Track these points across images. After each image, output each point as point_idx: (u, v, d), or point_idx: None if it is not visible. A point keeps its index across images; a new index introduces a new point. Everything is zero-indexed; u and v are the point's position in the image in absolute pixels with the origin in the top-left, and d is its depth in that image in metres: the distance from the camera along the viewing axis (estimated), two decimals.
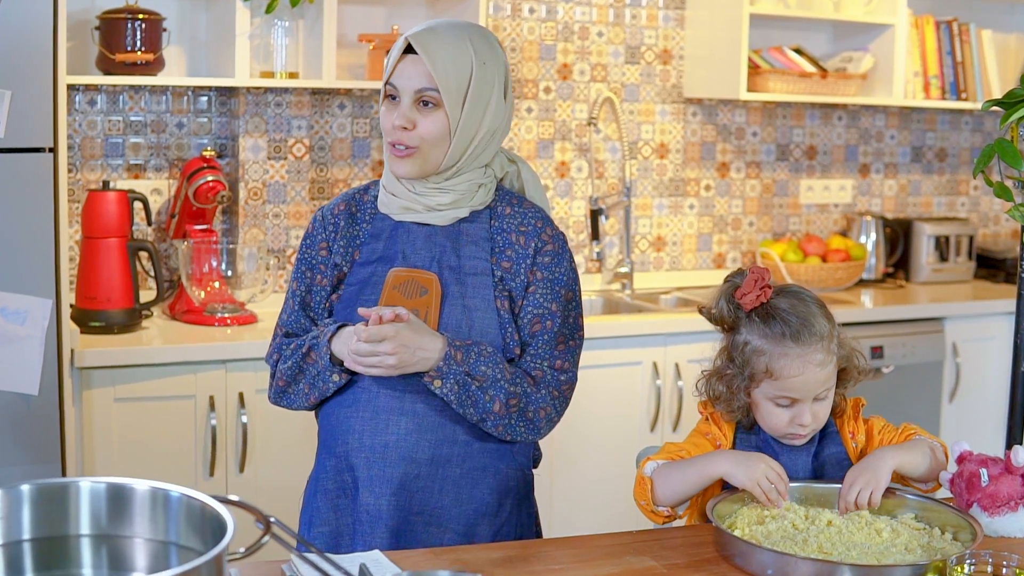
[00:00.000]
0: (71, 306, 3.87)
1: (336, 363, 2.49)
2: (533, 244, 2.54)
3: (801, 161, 5.39)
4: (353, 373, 2.50)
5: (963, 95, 5.33)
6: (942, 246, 5.40)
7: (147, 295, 4.10)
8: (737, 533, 2.22)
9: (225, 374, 3.77)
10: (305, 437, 3.84)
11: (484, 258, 2.53)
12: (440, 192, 2.53)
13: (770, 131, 5.30)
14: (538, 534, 2.70)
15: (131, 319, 3.91)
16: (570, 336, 2.56)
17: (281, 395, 2.62)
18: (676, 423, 4.39)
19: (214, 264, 4.08)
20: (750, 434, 2.51)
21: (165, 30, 4.05)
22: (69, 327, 3.58)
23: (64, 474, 3.59)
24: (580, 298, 2.61)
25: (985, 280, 5.50)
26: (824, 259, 5.15)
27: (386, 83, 2.51)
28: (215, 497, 1.47)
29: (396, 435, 2.47)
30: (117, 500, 1.49)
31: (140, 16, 3.96)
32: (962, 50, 5.33)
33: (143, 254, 4.04)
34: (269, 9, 4.03)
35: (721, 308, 2.49)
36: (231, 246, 4.15)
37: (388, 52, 2.67)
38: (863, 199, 5.56)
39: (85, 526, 1.49)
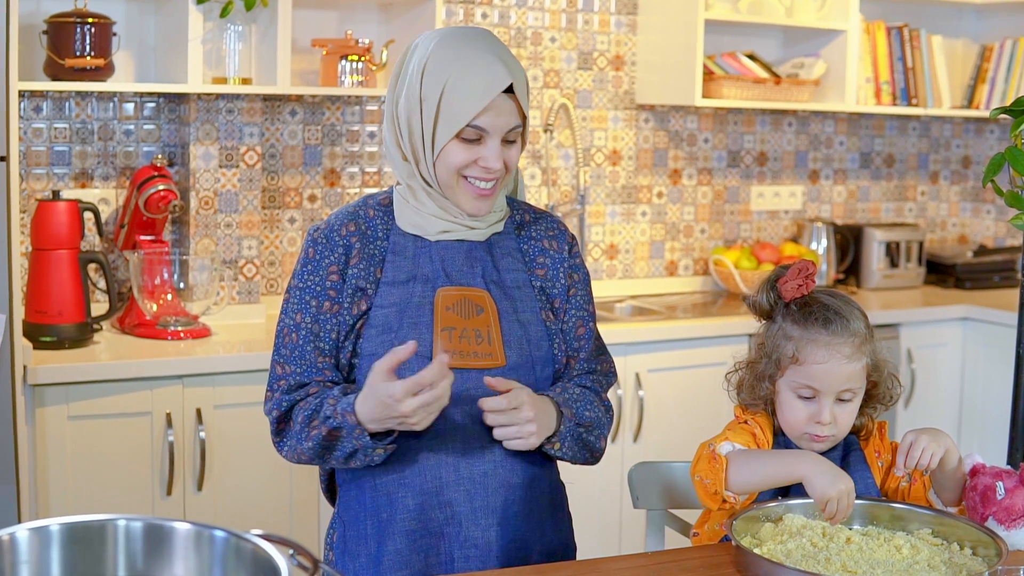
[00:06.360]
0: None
1: (379, 437, 2.28)
2: (566, 247, 2.50)
3: (752, 168, 5.35)
4: (410, 434, 2.31)
5: (914, 100, 5.33)
6: (892, 252, 5.38)
7: (96, 308, 3.96)
8: (759, 551, 2.15)
9: (182, 390, 3.65)
10: (265, 454, 3.73)
11: (521, 270, 2.45)
12: (491, 212, 2.47)
13: (721, 137, 5.26)
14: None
15: (82, 333, 3.78)
16: (599, 335, 2.56)
17: (311, 463, 2.38)
18: (637, 434, 4.33)
19: (166, 276, 3.95)
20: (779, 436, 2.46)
21: (115, 34, 3.92)
22: (22, 343, 3.45)
23: (18, 495, 3.45)
24: None
25: (935, 286, 5.50)
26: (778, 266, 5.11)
27: (468, 125, 2.30)
28: (262, 536, 1.36)
29: (492, 462, 2.34)
30: (155, 540, 1.37)
31: (90, 20, 3.82)
32: (913, 56, 5.33)
33: (93, 266, 3.90)
34: (224, 13, 3.90)
35: (762, 296, 2.46)
36: (183, 257, 4.03)
37: (455, 89, 2.36)
38: (813, 205, 5.53)
39: (121, 569, 1.37)
